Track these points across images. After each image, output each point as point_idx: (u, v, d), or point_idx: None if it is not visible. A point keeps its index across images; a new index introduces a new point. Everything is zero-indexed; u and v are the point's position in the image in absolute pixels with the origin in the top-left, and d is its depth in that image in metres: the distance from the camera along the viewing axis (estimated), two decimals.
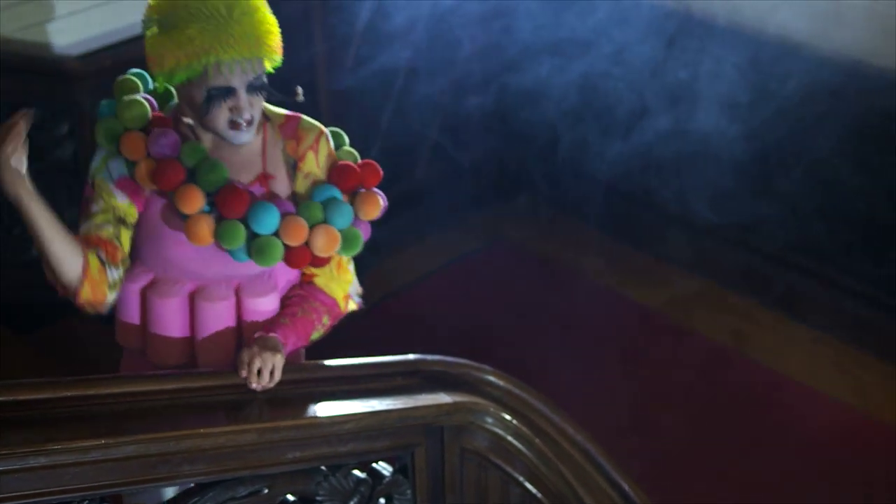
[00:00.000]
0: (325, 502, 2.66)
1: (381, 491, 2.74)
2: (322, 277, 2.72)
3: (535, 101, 5.07)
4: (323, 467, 2.64)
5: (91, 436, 2.35)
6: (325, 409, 2.60)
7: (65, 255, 2.51)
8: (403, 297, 5.33)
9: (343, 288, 2.75)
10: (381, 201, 2.70)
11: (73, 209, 2.73)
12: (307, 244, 2.60)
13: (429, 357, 2.82)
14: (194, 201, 2.55)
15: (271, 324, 2.65)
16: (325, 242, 2.61)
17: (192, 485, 2.53)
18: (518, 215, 5.75)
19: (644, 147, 5.05)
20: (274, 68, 2.58)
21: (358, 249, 2.69)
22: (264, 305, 2.68)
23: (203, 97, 2.51)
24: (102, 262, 2.57)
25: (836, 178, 4.92)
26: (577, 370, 4.85)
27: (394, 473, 2.76)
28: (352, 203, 2.67)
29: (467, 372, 2.82)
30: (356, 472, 2.71)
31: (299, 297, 2.71)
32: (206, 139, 2.61)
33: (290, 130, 2.66)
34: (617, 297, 5.31)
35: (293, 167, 2.66)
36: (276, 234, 2.58)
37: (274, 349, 2.57)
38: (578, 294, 5.30)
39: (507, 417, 2.78)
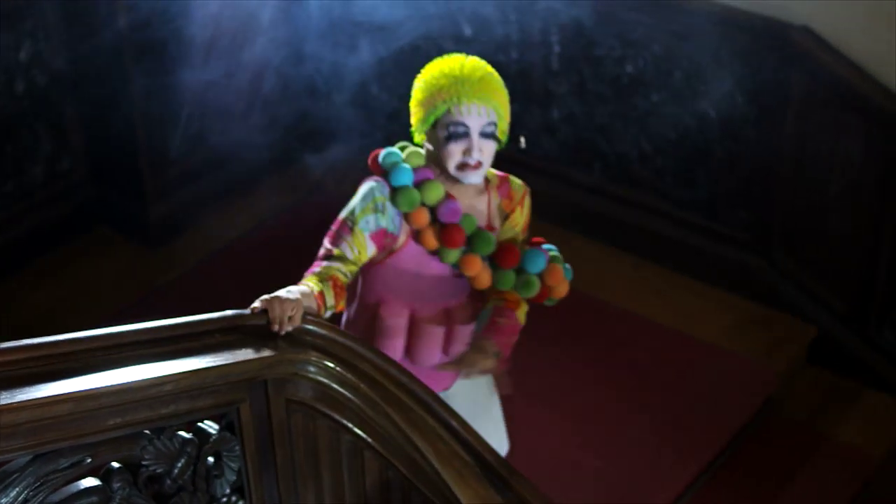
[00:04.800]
0: (151, 466, 2.63)
1: (209, 449, 2.72)
2: (520, 311, 3.23)
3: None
4: (146, 431, 2.61)
5: None
6: (142, 372, 2.55)
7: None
8: (222, 256, 5.29)
9: (524, 314, 3.26)
10: None
11: None
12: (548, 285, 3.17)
13: (247, 312, 2.78)
14: (475, 265, 3.10)
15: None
16: (566, 288, 3.19)
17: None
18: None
19: None
20: None
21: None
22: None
23: (444, 135, 2.98)
24: (328, 295, 2.93)
25: (647, 105, 5.02)
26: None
27: (220, 431, 2.73)
28: None
29: None
30: (181, 433, 2.68)
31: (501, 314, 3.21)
32: (448, 185, 3.09)
33: (504, 189, 3.18)
34: None
35: (504, 219, 3.18)
36: (539, 274, 3.14)
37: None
38: None
39: (331, 365, 2.78)
